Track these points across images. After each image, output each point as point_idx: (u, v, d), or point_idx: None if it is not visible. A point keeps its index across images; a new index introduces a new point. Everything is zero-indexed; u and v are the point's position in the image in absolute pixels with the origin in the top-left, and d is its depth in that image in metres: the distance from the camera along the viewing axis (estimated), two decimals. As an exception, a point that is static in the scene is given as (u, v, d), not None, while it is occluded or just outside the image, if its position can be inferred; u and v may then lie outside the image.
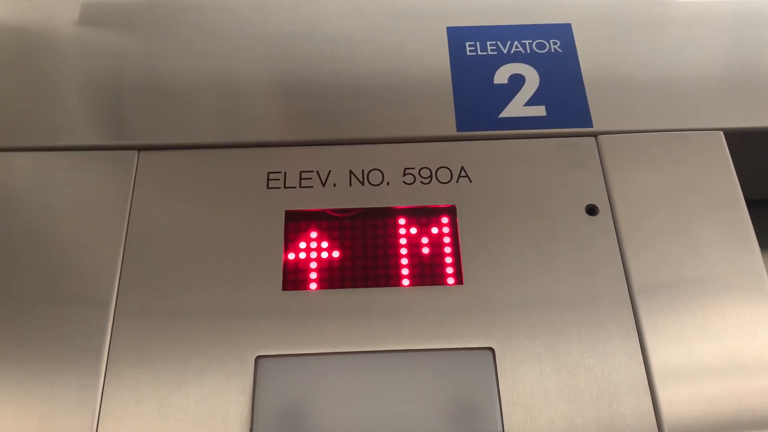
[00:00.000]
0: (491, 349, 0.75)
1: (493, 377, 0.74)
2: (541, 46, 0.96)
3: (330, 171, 0.87)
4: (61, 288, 0.79)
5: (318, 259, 0.82)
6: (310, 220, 0.84)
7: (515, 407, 0.72)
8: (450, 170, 0.87)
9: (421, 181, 0.87)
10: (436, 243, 0.83)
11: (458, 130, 0.90)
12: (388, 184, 0.86)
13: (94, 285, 0.79)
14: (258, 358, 0.75)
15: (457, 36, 0.97)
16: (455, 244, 0.82)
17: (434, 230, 0.84)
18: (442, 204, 0.85)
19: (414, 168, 0.87)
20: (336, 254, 0.82)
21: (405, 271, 0.81)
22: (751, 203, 0.85)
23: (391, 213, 0.85)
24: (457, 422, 0.71)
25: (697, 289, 0.79)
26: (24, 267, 0.80)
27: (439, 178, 0.87)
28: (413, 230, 0.84)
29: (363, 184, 0.87)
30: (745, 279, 0.80)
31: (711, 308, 0.78)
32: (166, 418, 0.72)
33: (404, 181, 0.87)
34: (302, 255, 0.82)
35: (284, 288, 0.79)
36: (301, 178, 0.87)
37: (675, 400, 0.73)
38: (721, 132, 0.89)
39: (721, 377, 0.74)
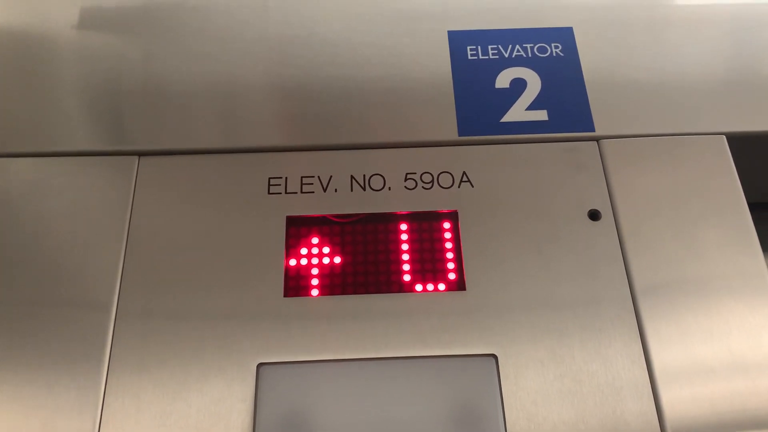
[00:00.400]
0: (494, 356, 0.75)
1: (495, 384, 0.73)
2: (542, 50, 0.96)
3: (331, 176, 0.87)
4: (61, 293, 0.79)
5: (319, 264, 0.81)
6: (311, 225, 0.84)
7: (518, 414, 0.72)
8: (452, 175, 0.87)
9: (423, 186, 0.86)
10: (438, 248, 0.83)
11: (460, 135, 0.89)
12: (389, 189, 0.86)
13: (95, 291, 0.79)
14: (260, 365, 0.74)
15: (458, 40, 0.97)
16: (457, 250, 0.82)
17: (436, 236, 0.83)
18: (444, 209, 0.85)
19: (415, 173, 0.87)
20: (337, 260, 0.82)
21: (407, 277, 0.81)
22: (753, 206, 0.85)
23: (393, 218, 0.84)
24: (460, 429, 0.71)
25: (699, 292, 0.79)
26: (25, 272, 0.80)
27: (441, 183, 0.86)
28: (415, 236, 0.83)
29: (364, 189, 0.86)
30: (748, 282, 0.79)
31: (714, 311, 0.78)
32: (167, 426, 0.72)
33: (406, 186, 0.86)
34: (303, 261, 0.82)
35: (285, 294, 0.79)
36: (302, 184, 0.86)
37: (678, 403, 0.73)
38: (724, 136, 0.89)
39: (724, 379, 0.74)
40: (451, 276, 0.81)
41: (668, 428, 0.71)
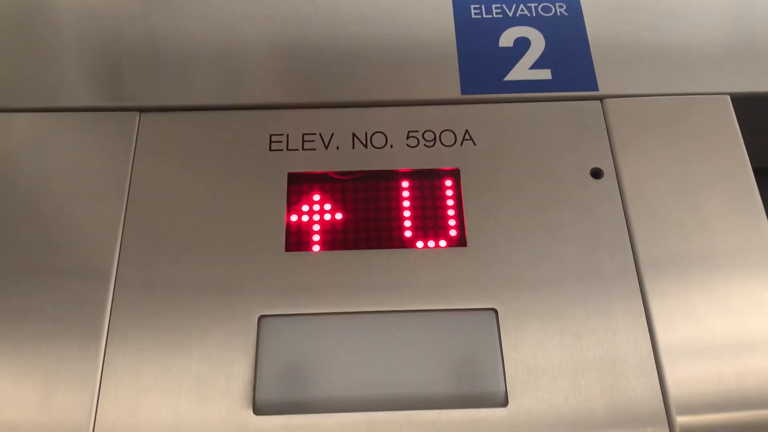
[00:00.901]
0: (494, 310, 0.75)
1: (496, 338, 0.73)
2: (546, 9, 0.95)
3: (333, 134, 0.86)
4: (62, 251, 0.79)
5: (321, 221, 0.81)
6: (312, 182, 0.84)
7: (518, 367, 0.72)
8: (454, 133, 0.86)
9: (425, 144, 0.86)
10: (440, 206, 0.83)
11: (463, 93, 0.89)
12: (391, 147, 0.86)
13: (96, 247, 0.79)
14: (261, 317, 0.75)
15: (461, -2, 0.96)
16: (459, 207, 0.82)
17: (438, 193, 0.83)
18: (445, 167, 0.84)
19: (418, 131, 0.87)
20: (339, 216, 0.82)
21: (408, 234, 0.81)
22: (758, 172, 0.84)
23: (395, 176, 0.84)
24: (460, 382, 0.71)
25: (700, 252, 0.78)
26: (25, 230, 0.80)
27: (443, 141, 0.86)
28: (417, 193, 0.83)
29: (366, 146, 0.86)
30: (750, 245, 0.79)
31: (713, 269, 0.77)
32: (168, 377, 0.72)
33: (408, 144, 0.86)
34: (305, 217, 0.81)
35: (287, 249, 0.79)
36: (303, 141, 0.86)
37: (677, 360, 0.72)
38: (728, 96, 0.88)
39: (723, 335, 0.74)
40: (452, 233, 0.81)
41: (668, 384, 0.71)
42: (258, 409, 0.70)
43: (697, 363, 0.73)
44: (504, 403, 0.70)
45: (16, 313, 0.75)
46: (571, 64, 0.90)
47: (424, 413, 0.69)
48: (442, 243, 0.80)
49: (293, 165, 0.84)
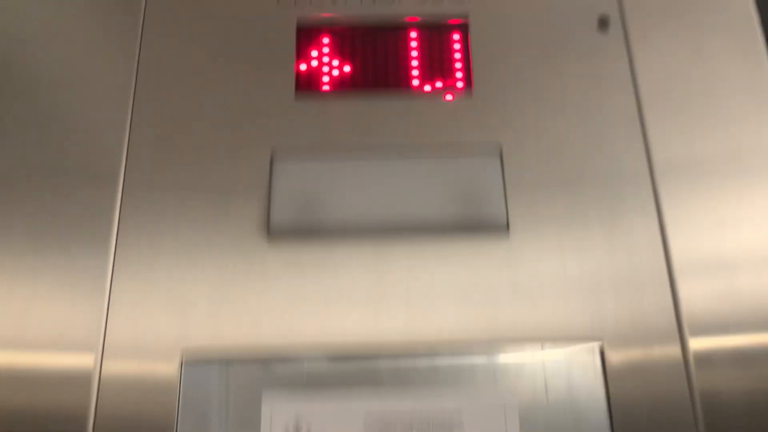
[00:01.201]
0: (499, 150, 0.77)
1: (499, 175, 0.76)
2: None
3: (342, -18, 0.86)
4: (73, 117, 0.80)
5: (329, 70, 0.83)
6: (321, 32, 0.84)
7: (520, 204, 0.75)
8: (463, -17, 0.86)
9: (434, -5, 0.86)
10: (448, 56, 0.83)
11: (472, -59, 0.88)
12: (400, -3, 0.86)
13: (109, 98, 0.80)
14: (273, 156, 0.77)
15: None
16: (466, 56, 0.83)
17: (446, 42, 0.84)
18: (454, 15, 0.85)
19: (427, -20, 0.86)
20: (347, 68, 0.83)
21: (416, 82, 0.82)
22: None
23: (404, 25, 0.85)
24: (464, 214, 0.74)
25: (702, 96, 0.80)
26: (38, 102, 0.80)
27: (452, -8, 0.86)
28: (425, 41, 0.84)
29: (374, -1, 0.86)
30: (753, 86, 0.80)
31: (714, 104, 0.80)
32: (186, 209, 0.74)
33: (416, -6, 0.86)
34: (314, 63, 0.83)
35: (297, 94, 0.80)
36: (312, -9, 0.86)
37: (669, 172, 0.76)
38: None
39: (725, 219, 0.76)
40: (459, 84, 0.82)
41: (665, 213, 0.74)
42: (272, 237, 0.73)
43: (694, 201, 0.76)
44: (505, 230, 0.73)
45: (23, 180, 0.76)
46: None
47: (429, 241, 0.73)
48: (449, 94, 0.81)
49: (302, 12, 0.85)
